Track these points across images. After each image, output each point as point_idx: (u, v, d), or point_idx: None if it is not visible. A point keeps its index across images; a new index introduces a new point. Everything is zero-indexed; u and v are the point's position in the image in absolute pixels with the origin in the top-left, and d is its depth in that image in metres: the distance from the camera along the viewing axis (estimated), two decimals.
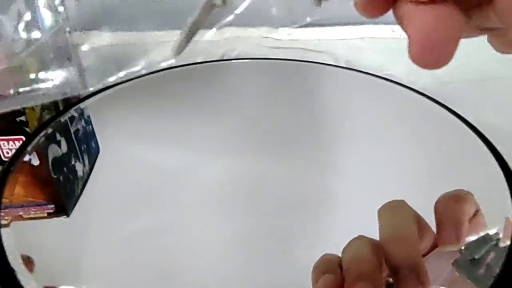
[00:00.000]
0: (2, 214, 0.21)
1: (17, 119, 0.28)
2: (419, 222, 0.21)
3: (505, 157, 0.24)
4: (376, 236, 0.24)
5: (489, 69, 0.48)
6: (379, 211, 0.22)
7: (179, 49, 0.17)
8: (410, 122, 0.33)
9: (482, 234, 0.19)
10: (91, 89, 0.18)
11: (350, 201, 0.34)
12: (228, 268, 0.33)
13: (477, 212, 0.20)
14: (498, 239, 0.18)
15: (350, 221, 0.34)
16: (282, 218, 0.35)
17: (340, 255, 0.22)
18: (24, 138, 0.29)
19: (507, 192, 0.22)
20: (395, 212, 0.21)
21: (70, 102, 0.36)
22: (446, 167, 0.30)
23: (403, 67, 0.47)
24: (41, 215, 0.29)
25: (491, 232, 0.19)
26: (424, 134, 0.32)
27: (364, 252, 0.20)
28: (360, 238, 0.21)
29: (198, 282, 0.32)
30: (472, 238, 0.19)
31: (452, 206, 0.19)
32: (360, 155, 0.35)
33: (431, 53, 0.15)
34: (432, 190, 0.29)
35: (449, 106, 0.29)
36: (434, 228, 0.21)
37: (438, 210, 0.20)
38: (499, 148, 0.24)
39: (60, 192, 0.29)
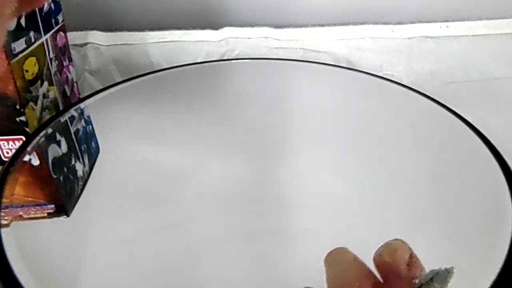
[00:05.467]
0: (2, 214, 0.21)
1: (17, 119, 0.28)
2: (361, 267, 0.22)
3: (505, 157, 0.24)
4: (372, 231, 0.24)
5: (489, 69, 0.48)
6: (325, 260, 0.23)
7: None
8: (410, 122, 0.33)
9: (420, 276, 0.20)
10: None
11: (350, 201, 0.34)
12: (227, 267, 0.33)
13: (411, 256, 0.21)
14: (436, 275, 0.20)
15: (350, 220, 0.34)
16: (282, 217, 0.35)
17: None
18: (24, 138, 0.29)
19: (507, 192, 0.22)
20: (337, 260, 0.23)
21: (70, 102, 0.36)
22: (446, 167, 0.30)
23: (403, 67, 0.48)
24: (41, 215, 0.29)
25: (428, 272, 0.21)
26: (424, 134, 0.32)
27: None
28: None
29: (198, 282, 0.32)
30: (415, 281, 0.20)
31: (389, 259, 0.21)
32: (360, 155, 0.35)
33: None
34: (432, 190, 0.29)
35: (449, 106, 0.29)
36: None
37: (377, 265, 0.21)
38: (499, 148, 0.24)
39: (60, 192, 0.29)
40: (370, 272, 0.22)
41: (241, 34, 0.47)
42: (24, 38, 0.28)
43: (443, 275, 0.20)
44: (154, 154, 0.35)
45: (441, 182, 0.29)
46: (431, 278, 0.20)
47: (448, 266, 0.20)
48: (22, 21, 0.28)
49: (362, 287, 0.21)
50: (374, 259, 0.22)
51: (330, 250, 0.23)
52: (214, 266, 0.33)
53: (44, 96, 0.31)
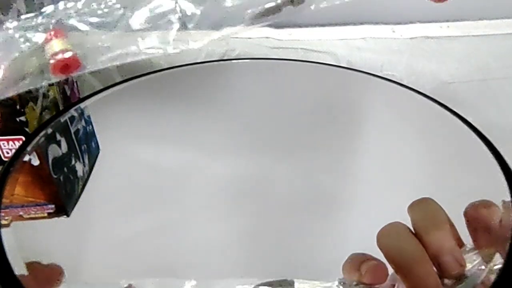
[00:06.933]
0: (2, 214, 0.21)
1: (17, 119, 0.28)
2: (447, 215, 0.22)
3: (505, 157, 0.24)
4: (373, 231, 0.24)
5: (490, 69, 0.48)
6: (410, 206, 0.24)
7: (253, 20, 0.18)
8: (410, 122, 0.33)
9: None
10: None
11: (350, 200, 0.34)
12: (229, 267, 0.33)
13: (501, 218, 0.21)
14: None
15: (350, 219, 0.34)
16: (283, 217, 0.35)
17: (350, 253, 0.23)
18: (24, 138, 0.29)
19: (507, 192, 0.22)
20: (427, 206, 0.23)
21: (70, 102, 0.36)
22: (446, 167, 0.30)
23: (403, 67, 0.48)
24: (41, 215, 0.29)
25: None
26: (424, 134, 0.32)
27: (411, 242, 0.22)
28: (399, 225, 0.23)
29: (199, 282, 0.32)
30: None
31: (485, 212, 0.21)
32: (359, 155, 0.35)
33: None
34: (432, 190, 0.29)
35: (450, 106, 0.29)
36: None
37: (469, 217, 0.22)
38: (499, 148, 0.24)
39: (60, 192, 0.29)
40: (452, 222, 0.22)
41: (241, 34, 0.46)
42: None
43: None
44: (154, 154, 0.35)
45: (441, 182, 0.29)
46: None
47: None
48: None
49: (453, 229, 0.22)
50: (466, 212, 0.22)
51: (416, 199, 0.23)
52: (215, 266, 0.33)
53: (44, 96, 0.31)
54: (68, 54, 0.17)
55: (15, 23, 0.18)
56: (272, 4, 0.18)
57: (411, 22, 0.48)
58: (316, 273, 0.31)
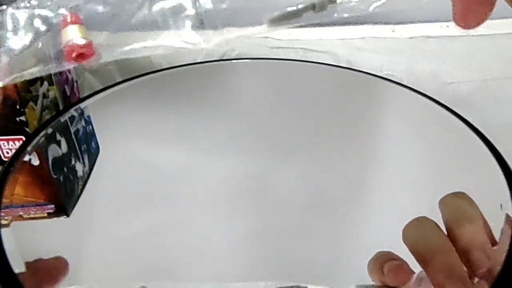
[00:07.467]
0: (2, 214, 0.21)
1: (17, 119, 0.28)
2: (480, 211, 0.22)
3: (505, 157, 0.24)
4: (373, 231, 0.24)
5: (490, 70, 0.48)
6: (442, 200, 0.23)
7: (273, 22, 0.18)
8: (410, 122, 0.33)
9: None
10: None
11: (351, 199, 0.34)
12: (229, 268, 0.33)
13: None
14: None
15: (350, 220, 0.34)
16: (282, 217, 0.35)
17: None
18: (24, 138, 0.29)
19: (507, 192, 0.22)
20: (460, 200, 0.23)
21: (70, 102, 0.36)
22: (446, 167, 0.30)
23: (403, 67, 0.48)
24: (41, 215, 0.29)
25: None
26: (424, 134, 0.32)
27: (438, 235, 0.21)
28: (425, 219, 0.23)
29: (199, 282, 0.32)
30: None
31: None
32: (359, 155, 0.35)
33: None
34: (432, 190, 0.29)
35: (450, 106, 0.29)
36: None
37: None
38: (499, 148, 0.24)
39: (60, 192, 0.29)
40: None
41: (241, 34, 0.46)
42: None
43: None
44: (154, 154, 0.35)
45: (441, 182, 0.29)
46: None
47: None
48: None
49: (486, 226, 0.21)
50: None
51: (443, 196, 0.23)
52: (215, 266, 0.33)
53: (44, 96, 0.31)
54: (84, 42, 0.17)
55: (32, 2, 0.17)
56: (294, 8, 0.18)
57: (411, 22, 0.48)
58: (326, 278, 0.31)
